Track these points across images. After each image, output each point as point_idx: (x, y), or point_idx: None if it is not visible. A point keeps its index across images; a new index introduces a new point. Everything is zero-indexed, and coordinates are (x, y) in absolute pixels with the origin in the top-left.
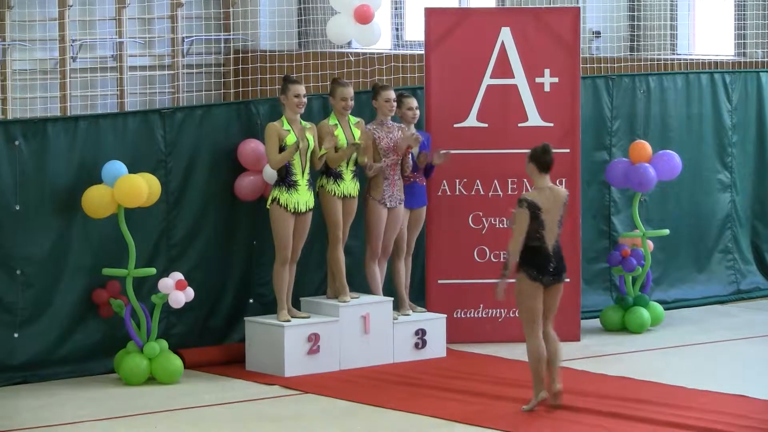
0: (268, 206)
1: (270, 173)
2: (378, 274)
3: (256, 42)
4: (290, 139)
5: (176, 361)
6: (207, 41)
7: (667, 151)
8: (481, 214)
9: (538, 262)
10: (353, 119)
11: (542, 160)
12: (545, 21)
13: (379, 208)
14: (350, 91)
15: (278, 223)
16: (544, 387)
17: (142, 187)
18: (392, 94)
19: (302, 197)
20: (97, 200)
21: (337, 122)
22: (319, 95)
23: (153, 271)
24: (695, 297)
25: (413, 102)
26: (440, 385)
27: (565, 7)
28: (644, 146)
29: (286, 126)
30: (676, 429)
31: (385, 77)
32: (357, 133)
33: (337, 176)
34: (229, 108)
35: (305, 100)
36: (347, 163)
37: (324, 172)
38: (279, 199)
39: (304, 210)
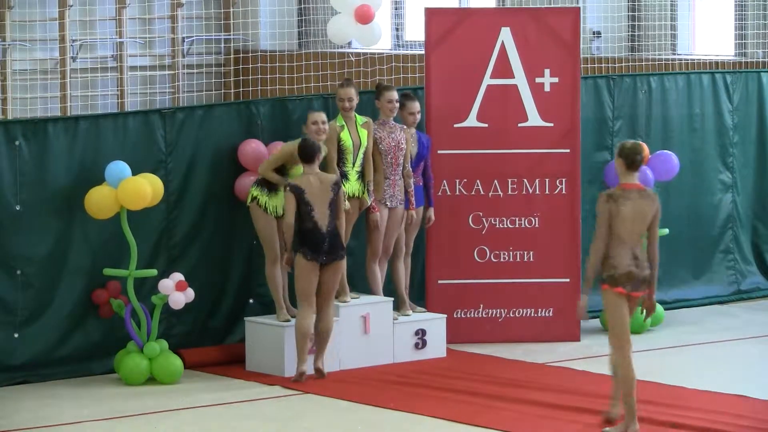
0: (248, 203)
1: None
2: (378, 274)
3: (256, 42)
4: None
5: (176, 361)
6: (207, 41)
7: (665, 151)
8: (481, 214)
9: (312, 243)
10: (360, 119)
11: (306, 155)
12: (545, 21)
13: (380, 208)
14: (349, 91)
15: (260, 223)
16: (305, 361)
17: (147, 190)
18: (395, 96)
19: (280, 200)
20: (100, 202)
21: (344, 123)
22: (320, 95)
23: (154, 272)
24: (695, 297)
25: (416, 106)
26: (440, 385)
27: (565, 7)
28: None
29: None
30: (676, 429)
31: (385, 77)
32: (363, 133)
33: (343, 176)
34: (229, 108)
35: (326, 127)
36: (353, 164)
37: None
38: (258, 200)
39: (281, 214)
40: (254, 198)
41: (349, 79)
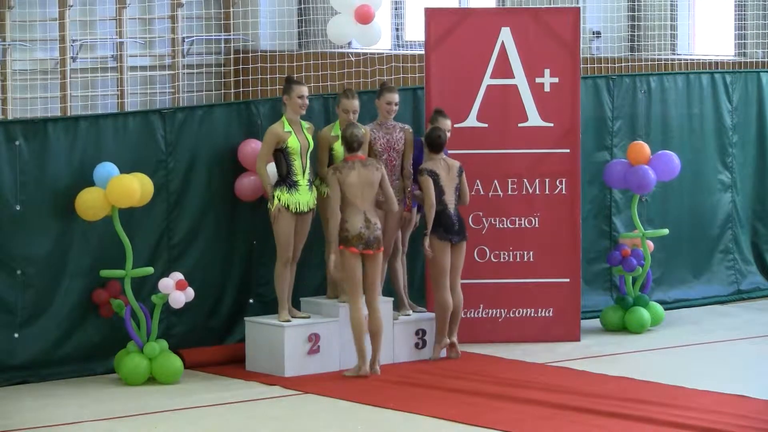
0: (269, 206)
1: (271, 172)
2: None
3: (256, 42)
4: (292, 141)
5: (176, 361)
6: (207, 41)
7: (666, 151)
8: (481, 214)
9: (445, 224)
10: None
11: (433, 145)
12: (545, 21)
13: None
14: (355, 104)
15: (280, 224)
16: (446, 335)
17: (135, 186)
18: (395, 98)
19: (303, 197)
20: (90, 203)
21: (291, 129)
22: (320, 95)
23: (150, 270)
24: (695, 297)
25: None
26: (440, 385)
27: (565, 7)
28: (643, 147)
29: (287, 128)
30: (676, 429)
31: (385, 77)
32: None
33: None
34: (229, 108)
35: (308, 101)
36: None
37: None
38: (281, 200)
39: (305, 210)
40: (278, 200)
41: (351, 89)
